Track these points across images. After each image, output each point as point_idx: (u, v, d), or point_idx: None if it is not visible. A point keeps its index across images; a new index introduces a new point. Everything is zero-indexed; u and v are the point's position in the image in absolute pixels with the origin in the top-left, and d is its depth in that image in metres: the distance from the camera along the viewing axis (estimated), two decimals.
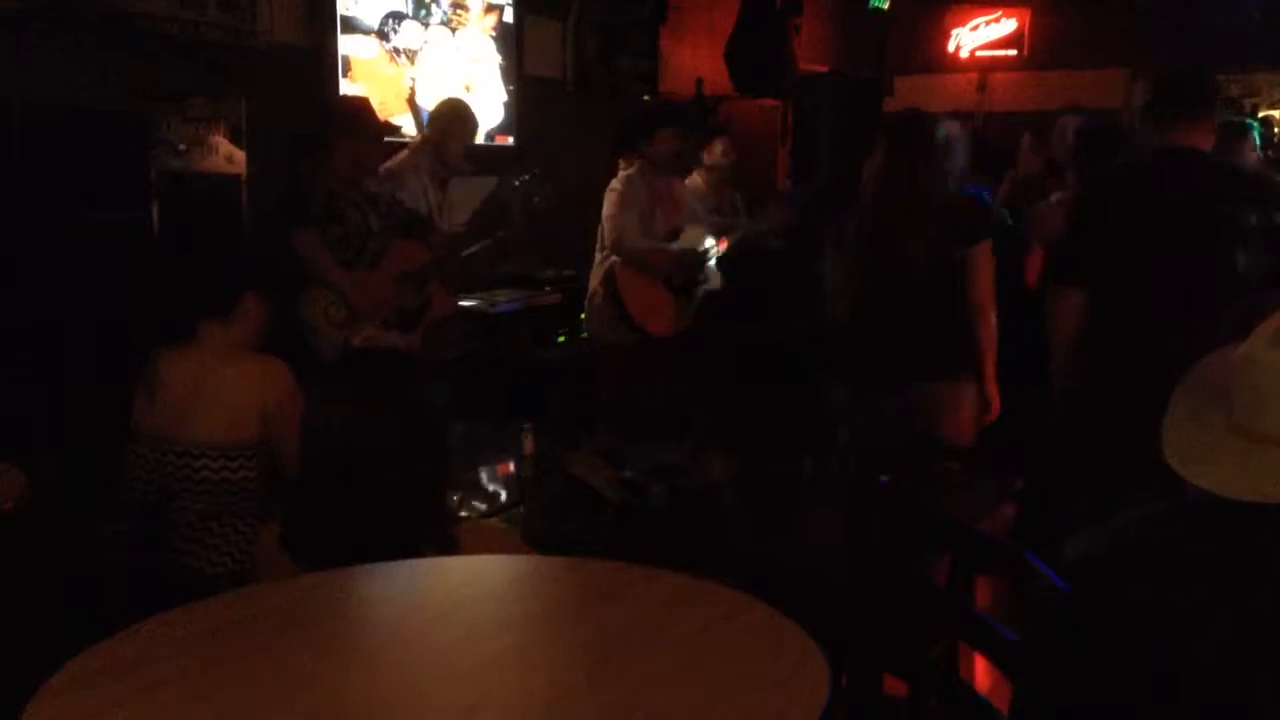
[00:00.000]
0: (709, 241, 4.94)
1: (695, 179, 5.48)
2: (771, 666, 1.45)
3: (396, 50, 5.03)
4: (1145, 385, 3.11)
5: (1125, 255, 3.25)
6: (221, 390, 2.75)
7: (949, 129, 4.96)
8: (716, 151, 5.53)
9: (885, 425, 3.48)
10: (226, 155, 4.23)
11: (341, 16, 4.70)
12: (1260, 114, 7.55)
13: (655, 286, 4.79)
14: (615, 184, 4.76)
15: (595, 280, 4.82)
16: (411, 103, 5.12)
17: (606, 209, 4.72)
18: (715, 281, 4.97)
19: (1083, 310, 3.33)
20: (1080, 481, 3.44)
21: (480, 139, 5.55)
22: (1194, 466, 1.39)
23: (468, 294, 4.77)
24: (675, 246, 4.82)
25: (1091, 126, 4.63)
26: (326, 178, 3.75)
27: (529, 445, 3.43)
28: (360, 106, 4.03)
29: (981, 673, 2.19)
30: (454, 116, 4.43)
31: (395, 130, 4.48)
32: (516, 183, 4.16)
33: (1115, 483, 3.26)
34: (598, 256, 4.80)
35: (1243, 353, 1.38)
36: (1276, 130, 7.45)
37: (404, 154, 4.33)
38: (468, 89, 5.40)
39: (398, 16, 5.02)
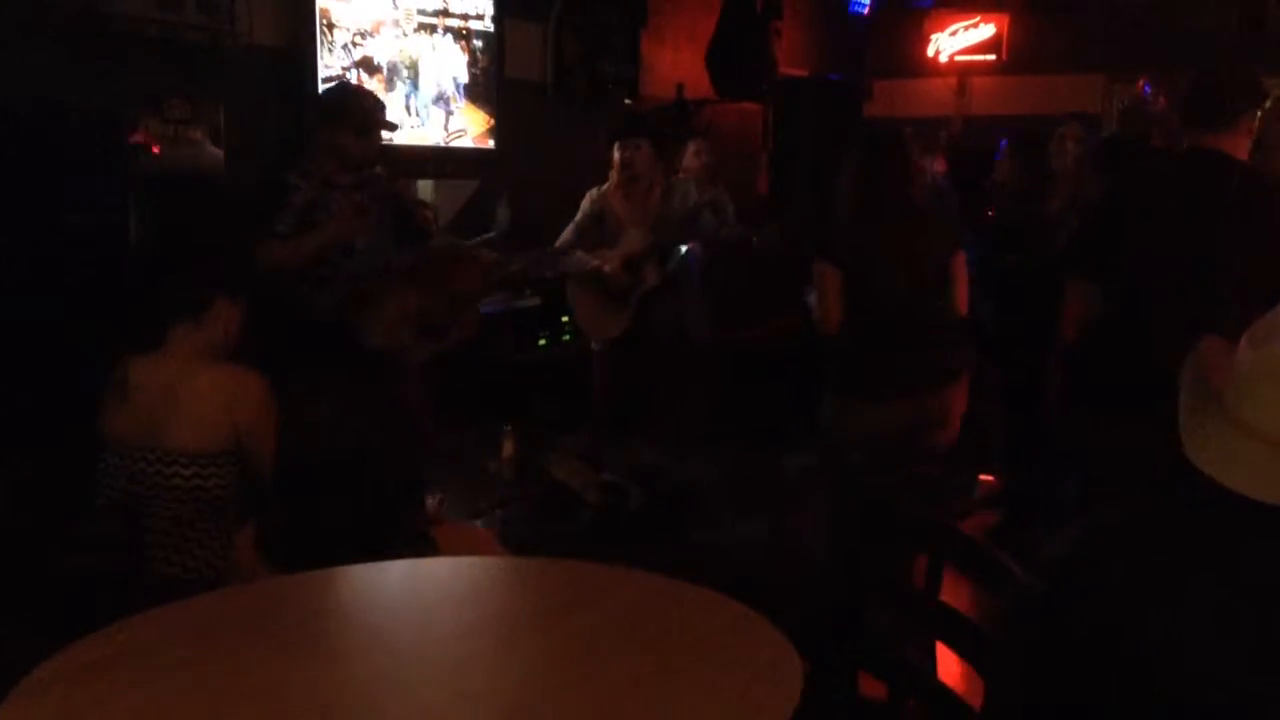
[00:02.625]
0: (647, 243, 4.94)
1: (684, 183, 5.50)
2: (746, 665, 1.45)
3: (375, 53, 5.02)
4: (1137, 386, 3.14)
5: (1138, 255, 3.23)
6: (193, 399, 2.71)
7: None
8: (690, 155, 5.54)
9: (891, 435, 3.41)
10: (203, 157, 4.21)
11: (320, 19, 4.69)
12: None
13: (591, 295, 4.87)
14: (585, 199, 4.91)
15: None
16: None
17: None
18: (653, 281, 4.93)
19: (1090, 307, 3.32)
20: (1068, 477, 3.47)
21: (468, 141, 5.55)
22: (1202, 455, 1.39)
23: None
24: (616, 251, 4.82)
25: (1110, 137, 4.67)
26: (312, 181, 3.55)
27: (509, 448, 3.42)
28: (348, 92, 3.76)
29: (958, 672, 2.20)
30: (336, 106, 3.72)
31: (390, 126, 4.07)
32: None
33: (1101, 480, 3.29)
34: None
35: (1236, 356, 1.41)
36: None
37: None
38: (448, 93, 5.40)
39: (377, 19, 5.01)
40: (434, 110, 5.35)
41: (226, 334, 2.83)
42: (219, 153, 4.23)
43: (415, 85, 5.22)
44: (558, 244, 4.86)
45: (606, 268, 4.80)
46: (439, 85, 5.37)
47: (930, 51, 9.23)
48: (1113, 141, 4.81)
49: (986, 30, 9.01)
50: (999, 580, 1.80)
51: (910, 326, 3.42)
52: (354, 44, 4.85)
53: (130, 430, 2.73)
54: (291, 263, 3.47)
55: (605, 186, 4.94)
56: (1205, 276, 3.08)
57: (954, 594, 2.05)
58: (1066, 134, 4.85)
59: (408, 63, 5.17)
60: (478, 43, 5.59)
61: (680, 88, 6.98)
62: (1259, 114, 3.20)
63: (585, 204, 4.92)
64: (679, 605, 1.62)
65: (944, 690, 1.98)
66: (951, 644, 1.94)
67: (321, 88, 4.58)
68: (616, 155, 4.87)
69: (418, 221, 3.94)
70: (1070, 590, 1.45)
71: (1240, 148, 3.12)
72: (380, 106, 3.78)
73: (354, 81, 4.76)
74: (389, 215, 3.79)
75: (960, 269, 3.48)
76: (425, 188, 5.15)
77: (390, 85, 5.06)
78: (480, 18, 5.60)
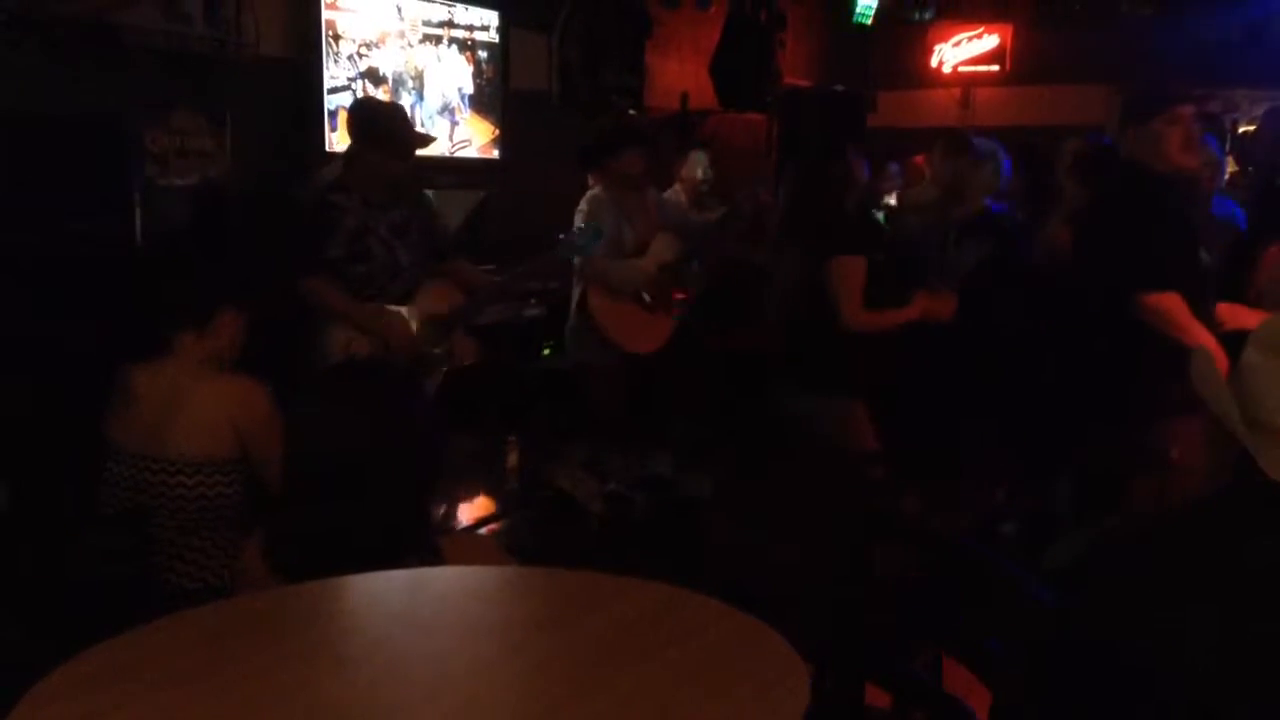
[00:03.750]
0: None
1: (677, 193, 5.47)
2: (752, 676, 1.45)
3: (381, 64, 5.04)
4: (1083, 391, 3.33)
5: (1084, 257, 3.42)
6: (196, 407, 2.72)
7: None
8: (691, 164, 5.52)
9: (798, 430, 3.73)
10: (210, 167, 4.23)
11: (326, 31, 4.70)
12: (1240, 130, 7.62)
13: (628, 305, 4.66)
14: (582, 204, 4.63)
15: (572, 304, 4.75)
16: None
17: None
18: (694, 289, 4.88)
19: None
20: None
21: (473, 152, 5.56)
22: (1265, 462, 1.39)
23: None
24: (645, 260, 4.74)
25: (1088, 147, 4.71)
26: (354, 200, 3.51)
27: (513, 457, 3.42)
28: (394, 118, 3.69)
29: (964, 682, 2.20)
30: (382, 132, 3.61)
31: (428, 141, 4.07)
32: (561, 236, 4.08)
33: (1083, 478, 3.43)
34: (575, 280, 4.72)
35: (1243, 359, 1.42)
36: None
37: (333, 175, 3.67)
38: (453, 103, 5.42)
39: (383, 30, 5.02)
40: (439, 120, 5.37)
41: (231, 343, 2.84)
42: (227, 161, 4.25)
43: (421, 96, 5.24)
44: (590, 269, 4.56)
45: (649, 270, 4.59)
46: (444, 96, 5.39)
47: (934, 62, 9.25)
48: (1092, 151, 4.83)
49: (990, 41, 9.03)
50: (1004, 588, 1.80)
51: (788, 334, 3.72)
52: (360, 55, 4.87)
53: (134, 438, 2.74)
54: (325, 306, 3.48)
55: (597, 190, 4.65)
56: (1119, 277, 3.21)
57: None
58: (1068, 148, 4.87)
59: (413, 73, 5.19)
60: (483, 53, 5.61)
61: (684, 97, 7.00)
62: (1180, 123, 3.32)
63: (593, 208, 4.56)
64: (685, 614, 1.62)
65: (949, 699, 1.98)
66: (957, 654, 1.94)
67: (328, 99, 4.60)
68: (610, 162, 4.71)
69: (439, 237, 3.94)
70: (1080, 600, 1.45)
71: (1156, 154, 3.29)
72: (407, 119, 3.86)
73: (361, 92, 4.78)
74: (426, 231, 3.78)
75: (837, 277, 3.59)
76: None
77: (396, 96, 5.08)
78: (485, 29, 5.62)
